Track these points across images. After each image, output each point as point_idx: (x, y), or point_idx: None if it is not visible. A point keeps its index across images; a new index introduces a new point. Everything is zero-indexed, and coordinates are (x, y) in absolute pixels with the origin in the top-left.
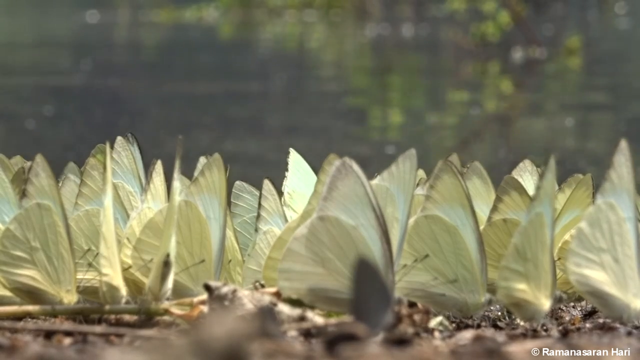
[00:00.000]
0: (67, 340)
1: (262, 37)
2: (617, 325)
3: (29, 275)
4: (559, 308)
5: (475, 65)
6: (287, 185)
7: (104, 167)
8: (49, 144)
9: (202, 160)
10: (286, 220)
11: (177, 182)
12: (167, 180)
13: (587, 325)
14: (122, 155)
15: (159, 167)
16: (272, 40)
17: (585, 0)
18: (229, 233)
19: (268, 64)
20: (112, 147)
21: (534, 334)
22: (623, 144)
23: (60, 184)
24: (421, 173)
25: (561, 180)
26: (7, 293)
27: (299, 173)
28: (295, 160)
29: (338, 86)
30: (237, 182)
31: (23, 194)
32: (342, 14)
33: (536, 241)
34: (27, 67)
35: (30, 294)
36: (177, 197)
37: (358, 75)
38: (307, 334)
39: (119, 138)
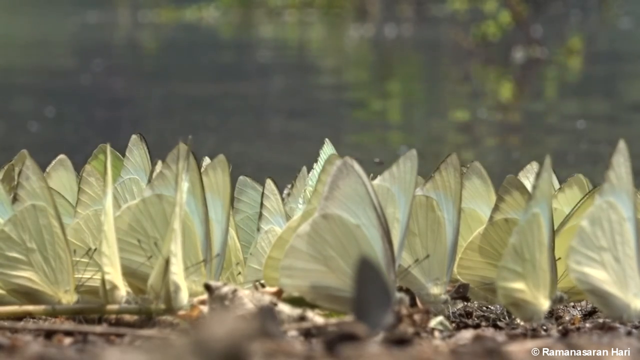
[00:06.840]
0: (68, 340)
1: (263, 37)
2: (617, 325)
3: (25, 276)
4: (559, 308)
5: (476, 65)
6: (311, 178)
7: (105, 168)
8: (52, 146)
9: (206, 160)
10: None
11: (185, 182)
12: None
13: (587, 325)
14: (135, 153)
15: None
16: (272, 40)
17: (585, 0)
18: (232, 233)
19: (268, 64)
20: (112, 148)
21: (534, 333)
22: (621, 145)
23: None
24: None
25: (563, 180)
26: None
27: None
28: (328, 153)
29: (338, 86)
30: (241, 177)
31: (14, 199)
32: (342, 14)
33: (534, 241)
34: (27, 68)
35: (28, 295)
36: (184, 195)
37: (358, 76)
38: (307, 333)
39: (133, 136)
